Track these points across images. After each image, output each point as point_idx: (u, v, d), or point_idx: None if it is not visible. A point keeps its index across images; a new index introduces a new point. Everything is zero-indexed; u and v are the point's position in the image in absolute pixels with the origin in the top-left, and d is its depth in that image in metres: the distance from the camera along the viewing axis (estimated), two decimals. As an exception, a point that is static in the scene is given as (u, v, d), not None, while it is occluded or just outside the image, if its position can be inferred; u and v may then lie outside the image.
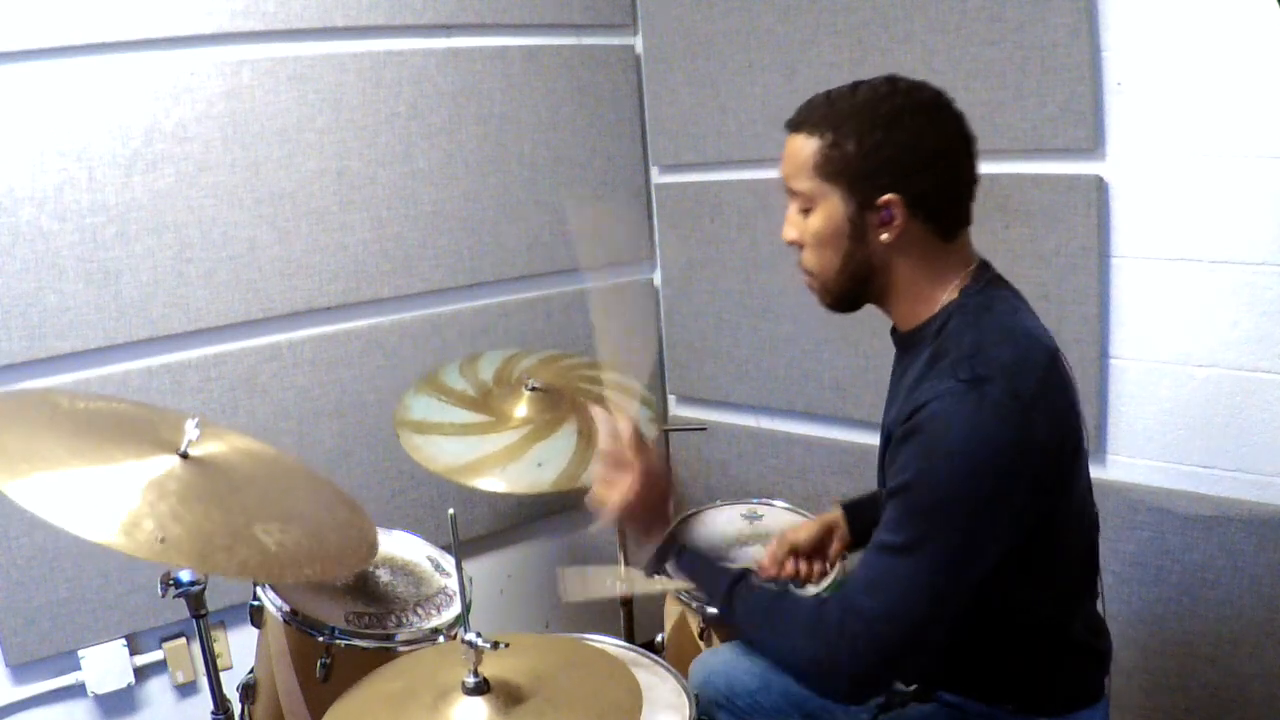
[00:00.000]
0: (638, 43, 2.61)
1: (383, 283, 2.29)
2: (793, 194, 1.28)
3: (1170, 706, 1.93)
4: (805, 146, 1.23)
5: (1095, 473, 1.31)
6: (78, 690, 2.03)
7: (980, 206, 1.27)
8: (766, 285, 2.45)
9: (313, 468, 1.67)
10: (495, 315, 2.46)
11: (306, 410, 2.21)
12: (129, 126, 1.95)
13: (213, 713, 1.58)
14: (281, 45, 2.11)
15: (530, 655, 1.24)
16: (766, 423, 2.56)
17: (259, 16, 2.07)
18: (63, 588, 1.96)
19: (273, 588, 1.59)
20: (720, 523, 1.99)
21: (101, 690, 2.04)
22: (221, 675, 1.58)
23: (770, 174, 2.37)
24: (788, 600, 1.31)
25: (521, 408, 1.99)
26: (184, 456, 1.35)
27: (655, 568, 1.39)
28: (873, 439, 1.37)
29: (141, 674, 2.10)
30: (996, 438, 1.11)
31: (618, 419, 1.39)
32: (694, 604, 1.70)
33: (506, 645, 1.16)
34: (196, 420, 1.37)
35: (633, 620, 2.05)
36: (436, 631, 1.59)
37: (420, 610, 1.64)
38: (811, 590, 1.64)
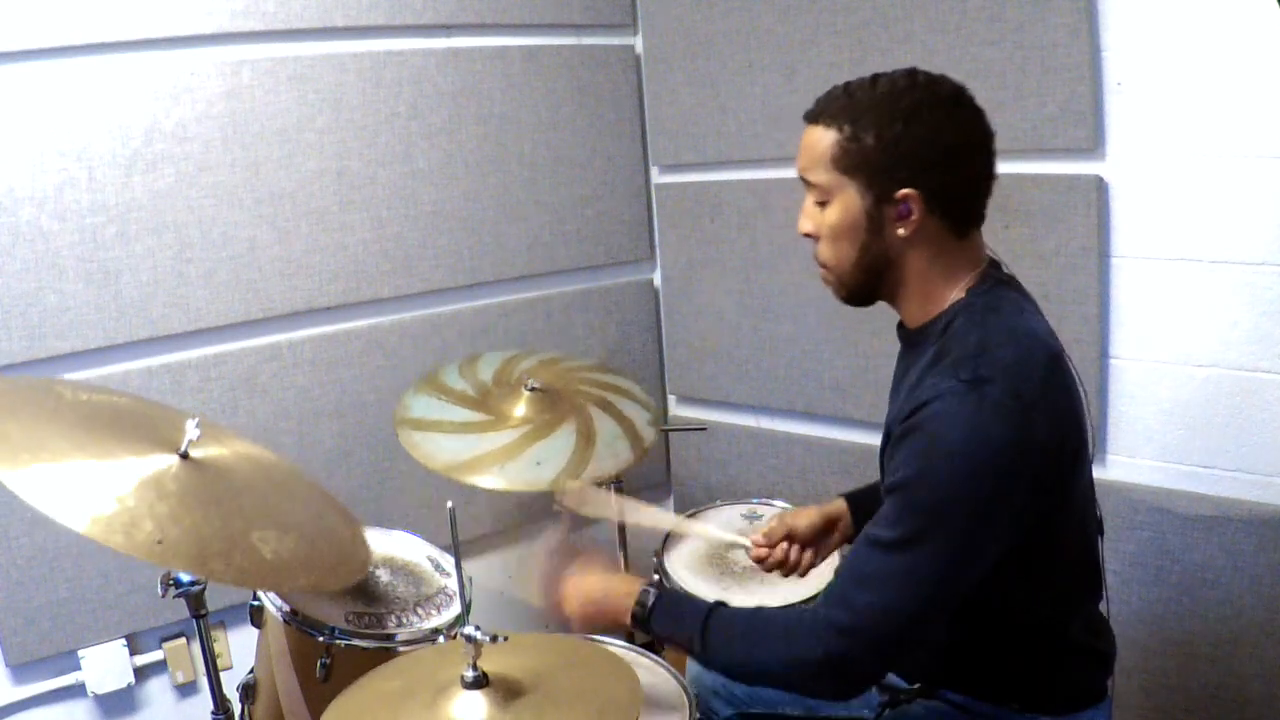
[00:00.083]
0: (638, 43, 2.61)
1: (383, 283, 2.29)
2: (809, 186, 1.26)
3: (1170, 706, 1.93)
4: (823, 138, 1.22)
5: (1095, 473, 1.31)
6: (78, 690, 2.03)
7: (983, 206, 1.27)
8: (766, 285, 2.45)
9: (311, 475, 1.67)
10: (495, 315, 2.46)
11: (306, 410, 2.21)
12: (129, 126, 1.95)
13: (213, 713, 1.58)
14: (281, 45, 2.11)
15: (530, 653, 1.24)
16: (766, 423, 2.56)
17: (259, 16, 2.07)
18: (63, 588, 1.96)
19: (272, 588, 1.59)
20: (720, 523, 1.99)
21: (101, 690, 2.04)
22: (221, 675, 1.59)
23: (770, 174, 2.39)
24: (764, 612, 1.29)
25: (521, 408, 1.99)
26: (184, 457, 1.34)
27: (641, 634, 1.40)
28: (872, 439, 1.37)
29: (141, 674, 2.10)
30: (997, 438, 1.11)
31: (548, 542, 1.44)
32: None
33: (505, 639, 1.16)
34: (197, 420, 1.37)
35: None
36: (437, 631, 1.59)
37: (420, 610, 1.64)
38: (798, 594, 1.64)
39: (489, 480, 1.84)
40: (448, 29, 2.34)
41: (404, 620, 1.61)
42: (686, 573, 1.85)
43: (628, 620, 1.35)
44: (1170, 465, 1.92)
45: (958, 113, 1.20)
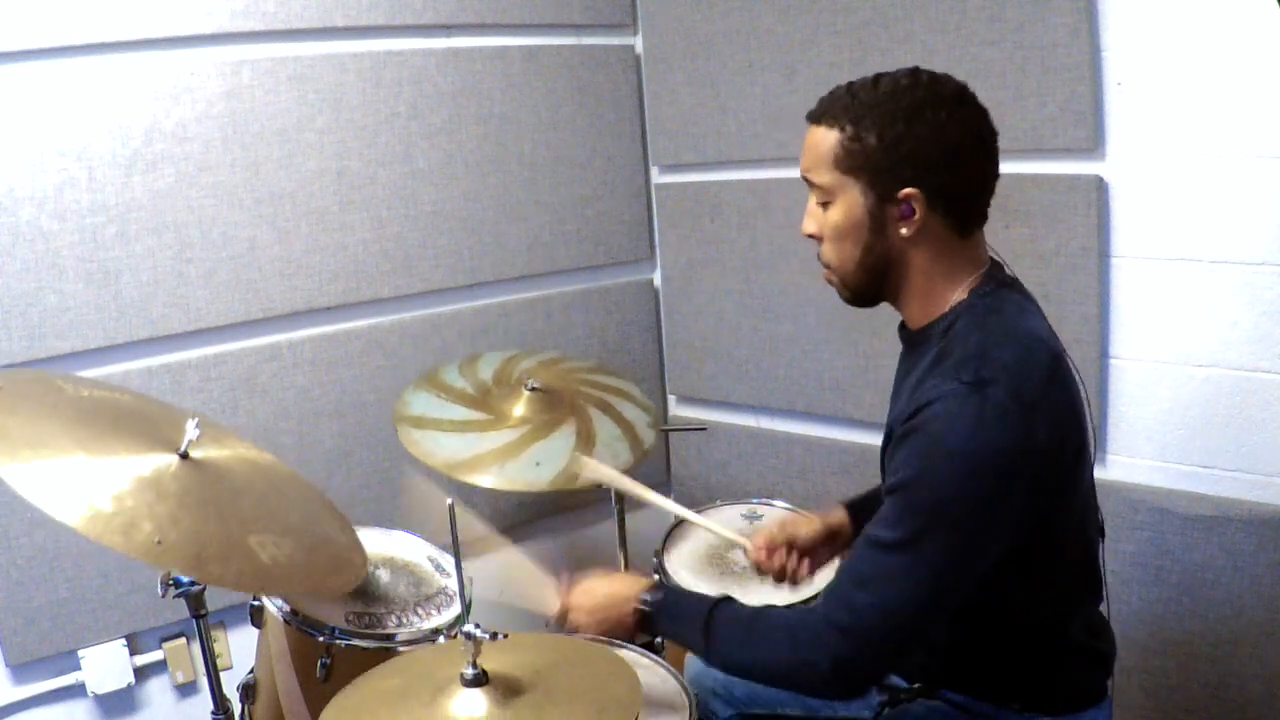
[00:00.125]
0: (638, 43, 2.61)
1: (383, 283, 2.29)
2: (812, 186, 1.26)
3: (1170, 706, 1.93)
4: (826, 139, 1.22)
5: (1095, 473, 1.31)
6: (78, 690, 2.03)
7: (983, 207, 1.27)
8: (766, 285, 2.45)
9: (309, 477, 1.67)
10: (495, 315, 2.46)
11: (306, 410, 2.21)
12: (129, 126, 1.95)
13: (213, 713, 1.58)
14: (281, 45, 2.11)
15: (530, 652, 1.24)
16: (766, 423, 2.56)
17: (259, 16, 2.07)
18: (63, 588, 1.96)
19: (272, 588, 1.58)
20: (720, 523, 1.98)
21: (101, 690, 2.04)
22: (221, 675, 1.59)
23: (771, 174, 2.39)
24: (766, 612, 1.29)
25: (520, 407, 1.99)
26: (184, 457, 1.34)
27: (648, 636, 1.41)
28: (872, 439, 1.37)
29: (141, 674, 2.10)
30: (997, 439, 1.10)
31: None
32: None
33: (505, 636, 1.16)
34: (197, 421, 1.37)
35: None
36: (437, 631, 1.59)
37: (420, 610, 1.64)
38: (800, 594, 1.64)
39: (488, 479, 1.84)
40: (448, 29, 2.34)
41: (404, 620, 1.61)
42: (686, 573, 1.85)
43: (633, 621, 1.35)
44: (1170, 465, 1.92)
45: (961, 112, 1.20)
